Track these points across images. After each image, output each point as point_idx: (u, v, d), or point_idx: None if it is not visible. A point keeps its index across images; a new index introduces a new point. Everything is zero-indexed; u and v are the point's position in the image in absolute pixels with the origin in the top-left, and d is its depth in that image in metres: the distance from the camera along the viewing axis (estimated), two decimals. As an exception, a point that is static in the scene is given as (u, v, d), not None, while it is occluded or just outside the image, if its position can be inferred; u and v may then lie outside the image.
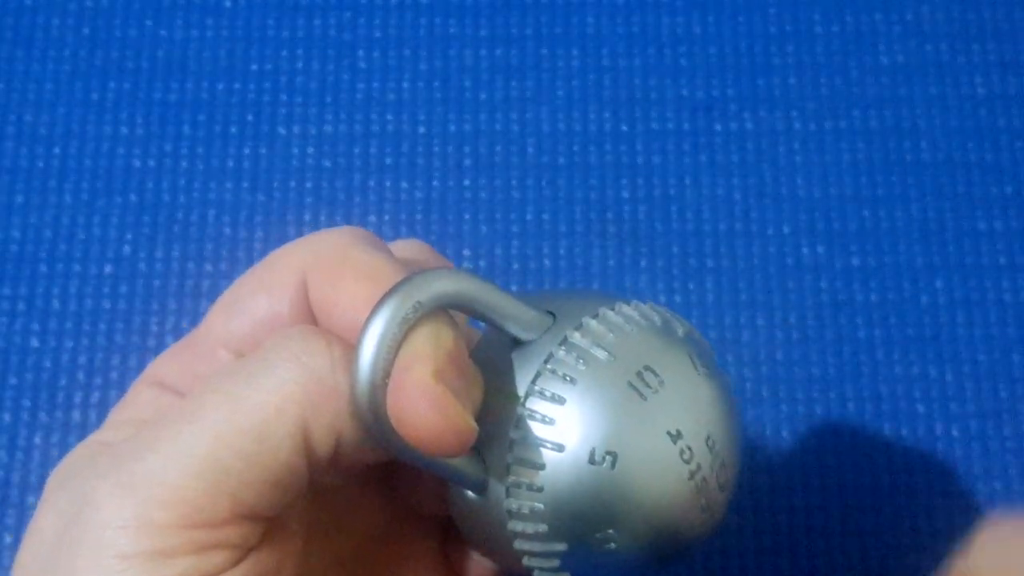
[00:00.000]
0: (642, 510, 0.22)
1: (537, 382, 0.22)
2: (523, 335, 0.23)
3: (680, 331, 0.24)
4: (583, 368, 0.22)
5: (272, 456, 0.20)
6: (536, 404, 0.22)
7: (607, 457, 0.22)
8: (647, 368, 0.22)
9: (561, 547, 0.22)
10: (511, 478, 0.22)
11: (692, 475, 0.23)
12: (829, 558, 0.35)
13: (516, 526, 0.22)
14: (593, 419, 0.22)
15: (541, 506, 0.22)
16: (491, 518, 0.23)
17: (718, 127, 0.40)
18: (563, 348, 0.22)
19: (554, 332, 0.23)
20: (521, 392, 0.22)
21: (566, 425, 0.22)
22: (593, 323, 0.23)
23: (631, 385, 0.22)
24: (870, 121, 0.40)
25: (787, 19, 0.41)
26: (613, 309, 0.23)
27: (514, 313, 0.23)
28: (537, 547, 0.22)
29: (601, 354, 0.22)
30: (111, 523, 0.20)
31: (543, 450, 0.22)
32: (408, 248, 0.25)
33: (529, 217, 0.39)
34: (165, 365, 0.24)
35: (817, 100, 0.40)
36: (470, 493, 0.23)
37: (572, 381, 0.22)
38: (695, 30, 0.41)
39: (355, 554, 0.26)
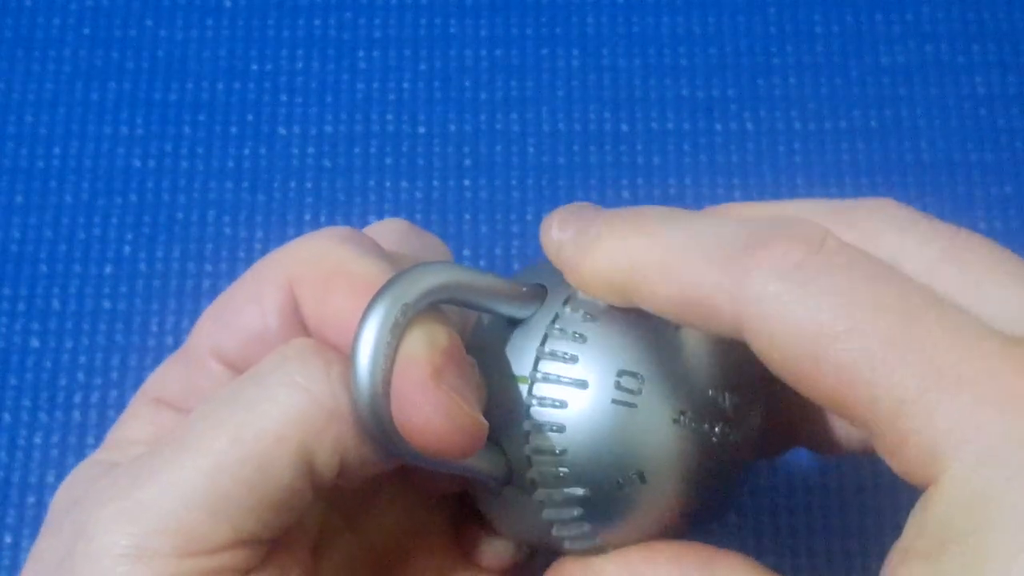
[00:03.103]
0: (686, 495, 0.22)
1: (534, 390, 0.22)
2: (519, 313, 0.22)
3: None
4: (567, 400, 0.21)
5: (274, 483, 0.20)
6: (543, 414, 0.21)
7: (634, 477, 0.21)
8: (622, 372, 0.21)
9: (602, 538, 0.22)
10: (535, 469, 0.22)
11: (715, 436, 0.22)
12: (829, 558, 0.35)
13: (554, 521, 0.22)
14: (594, 462, 0.21)
15: (579, 491, 0.21)
16: (523, 509, 0.22)
17: (718, 127, 0.40)
18: (548, 352, 0.22)
19: (547, 308, 0.22)
20: (524, 389, 0.22)
21: (575, 459, 0.21)
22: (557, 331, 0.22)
23: (615, 402, 0.21)
24: (870, 121, 0.40)
25: (787, 19, 0.41)
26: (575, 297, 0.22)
27: (505, 292, 0.22)
28: (576, 531, 0.22)
29: (576, 375, 0.21)
30: (109, 551, 0.20)
31: (559, 451, 0.21)
32: (388, 230, 0.25)
33: (529, 217, 0.38)
34: (161, 380, 0.24)
35: (817, 100, 0.40)
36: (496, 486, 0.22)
37: (563, 405, 0.21)
38: (695, 30, 0.41)
39: (370, 552, 0.25)
